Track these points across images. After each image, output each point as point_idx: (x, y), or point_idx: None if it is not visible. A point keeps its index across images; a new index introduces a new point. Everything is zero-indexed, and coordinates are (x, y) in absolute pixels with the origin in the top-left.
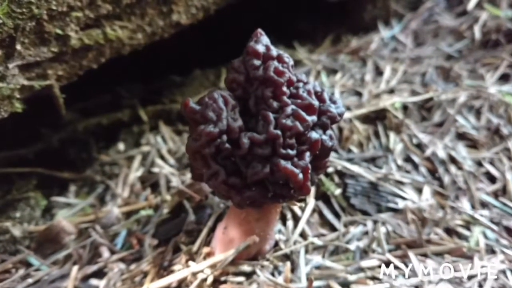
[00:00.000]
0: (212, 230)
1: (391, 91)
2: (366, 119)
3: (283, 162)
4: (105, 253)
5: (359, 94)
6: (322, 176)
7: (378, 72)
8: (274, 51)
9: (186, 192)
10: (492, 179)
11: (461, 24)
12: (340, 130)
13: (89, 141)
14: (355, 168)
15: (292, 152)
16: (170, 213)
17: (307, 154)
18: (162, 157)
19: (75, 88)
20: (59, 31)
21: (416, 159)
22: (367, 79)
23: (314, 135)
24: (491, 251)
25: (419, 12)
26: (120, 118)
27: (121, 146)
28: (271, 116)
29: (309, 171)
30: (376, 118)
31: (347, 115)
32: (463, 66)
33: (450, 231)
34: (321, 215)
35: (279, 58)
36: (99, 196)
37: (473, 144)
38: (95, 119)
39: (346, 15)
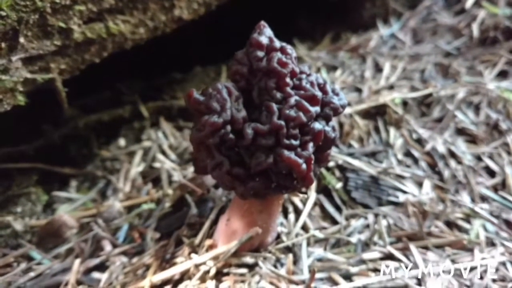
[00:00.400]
0: (215, 223)
1: (391, 87)
2: (366, 114)
3: (286, 152)
4: (107, 246)
5: (359, 90)
6: (323, 170)
7: (378, 69)
8: (277, 43)
9: (188, 186)
10: (491, 173)
11: (459, 22)
12: (341, 125)
13: (90, 137)
14: (356, 162)
15: (295, 143)
16: (172, 206)
17: (310, 144)
18: (163, 153)
19: (76, 84)
20: (62, 25)
21: (416, 153)
22: (366, 76)
23: (317, 125)
24: (491, 243)
25: (417, 10)
26: (121, 114)
27: (122, 141)
28: (275, 106)
29: (312, 162)
30: (376, 114)
31: (347, 110)
32: (461, 63)
33: (450, 224)
34: (322, 208)
35: (282, 50)
36: (101, 191)
37: (472, 139)
38: (96, 115)
39: (345, 13)
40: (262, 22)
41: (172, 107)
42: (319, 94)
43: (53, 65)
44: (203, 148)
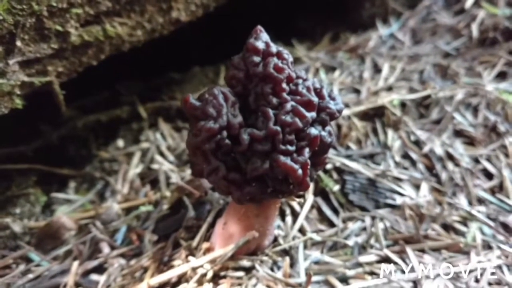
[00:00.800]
0: (212, 225)
1: (389, 89)
2: (364, 116)
3: (282, 158)
4: (105, 248)
5: (357, 91)
6: (320, 173)
7: (377, 69)
8: (274, 48)
9: (185, 188)
10: (489, 175)
11: (458, 22)
12: (339, 127)
13: (89, 138)
14: (353, 165)
15: (291, 148)
16: (170, 209)
17: (306, 150)
18: (162, 154)
19: (74, 85)
20: (59, 28)
21: (414, 155)
22: (365, 77)
23: (313, 131)
24: (487, 246)
25: (417, 10)
26: (119, 115)
27: (120, 142)
28: (271, 112)
29: (308, 167)
30: (375, 115)
31: (345, 112)
32: (460, 64)
33: (447, 227)
34: (319, 211)
35: (279, 55)
36: (99, 193)
37: (470, 141)
38: (94, 116)
39: (345, 13)
40: (259, 27)
41: (171, 107)
42: (315, 99)
43: (51, 68)
44: (199, 153)
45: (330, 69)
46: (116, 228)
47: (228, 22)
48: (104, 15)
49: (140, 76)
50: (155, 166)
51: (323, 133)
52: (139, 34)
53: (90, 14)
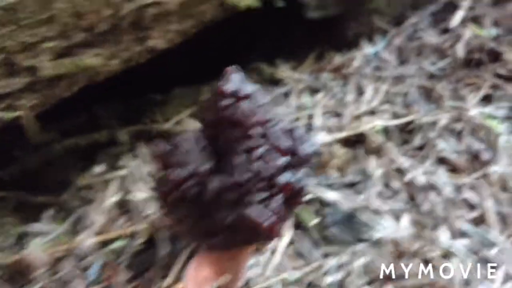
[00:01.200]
0: (186, 263)
1: (372, 112)
2: (346, 142)
3: (249, 211)
4: (79, 286)
5: (340, 115)
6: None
7: (360, 91)
8: (245, 90)
9: (161, 221)
10: (471, 206)
11: (444, 41)
12: (320, 154)
13: (66, 163)
14: (333, 196)
15: (261, 197)
16: (145, 243)
17: (278, 197)
18: (140, 181)
19: (51, 108)
20: (30, 63)
21: (395, 184)
22: (348, 100)
23: (285, 177)
24: (468, 283)
25: (403, 28)
26: (97, 139)
27: (98, 169)
28: (240, 159)
29: (279, 216)
30: (357, 142)
31: (327, 138)
32: (445, 86)
33: (427, 262)
34: (297, 246)
35: (250, 97)
36: (75, 223)
37: (453, 169)
38: (72, 140)
39: (330, 32)
40: (230, 68)
41: (151, 130)
42: (286, 144)
43: (22, 101)
44: (166, 202)
45: (314, 91)
46: (90, 263)
47: (209, 42)
48: (76, 47)
49: (119, 98)
50: (132, 195)
51: (296, 178)
52: (114, 64)
53: (62, 46)
